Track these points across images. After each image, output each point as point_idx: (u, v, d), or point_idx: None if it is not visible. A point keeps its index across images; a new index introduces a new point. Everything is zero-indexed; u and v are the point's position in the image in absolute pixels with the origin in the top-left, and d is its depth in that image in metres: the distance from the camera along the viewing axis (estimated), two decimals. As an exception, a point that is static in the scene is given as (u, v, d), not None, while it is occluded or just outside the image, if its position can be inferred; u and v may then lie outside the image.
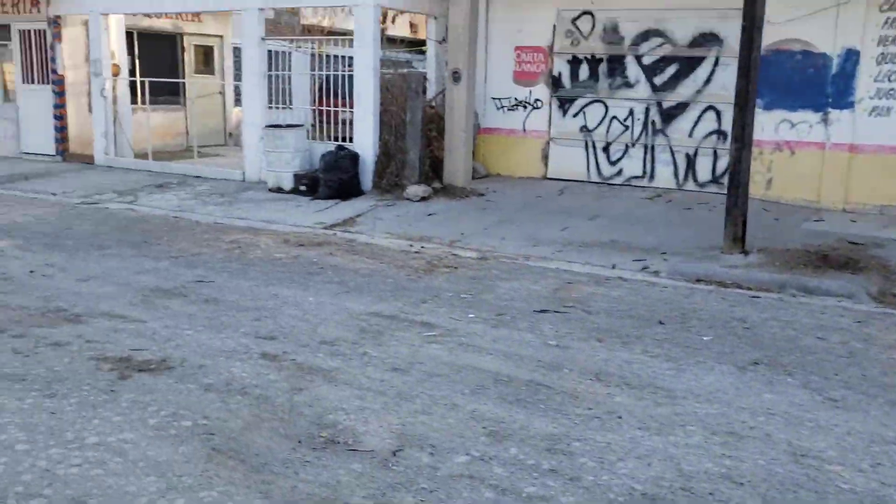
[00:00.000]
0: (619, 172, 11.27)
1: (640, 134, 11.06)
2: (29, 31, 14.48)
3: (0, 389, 4.22)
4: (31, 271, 6.84)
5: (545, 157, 11.81)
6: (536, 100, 11.76)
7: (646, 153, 11.06)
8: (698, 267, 7.36)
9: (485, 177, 11.87)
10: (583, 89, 11.41)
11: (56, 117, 14.39)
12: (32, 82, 14.68)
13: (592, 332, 5.50)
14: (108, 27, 13.59)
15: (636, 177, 11.16)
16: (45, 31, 14.22)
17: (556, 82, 11.60)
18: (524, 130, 11.92)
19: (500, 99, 12.04)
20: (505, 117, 12.05)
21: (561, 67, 11.54)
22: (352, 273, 7.08)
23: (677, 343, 5.32)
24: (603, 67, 11.22)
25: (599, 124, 11.33)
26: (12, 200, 10.79)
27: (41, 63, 14.48)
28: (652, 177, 11.05)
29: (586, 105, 11.41)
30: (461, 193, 10.69)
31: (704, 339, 5.43)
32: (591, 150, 11.44)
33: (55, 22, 14.01)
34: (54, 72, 14.22)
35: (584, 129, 11.44)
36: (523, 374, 4.67)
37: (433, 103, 11.72)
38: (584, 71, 11.37)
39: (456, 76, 10.84)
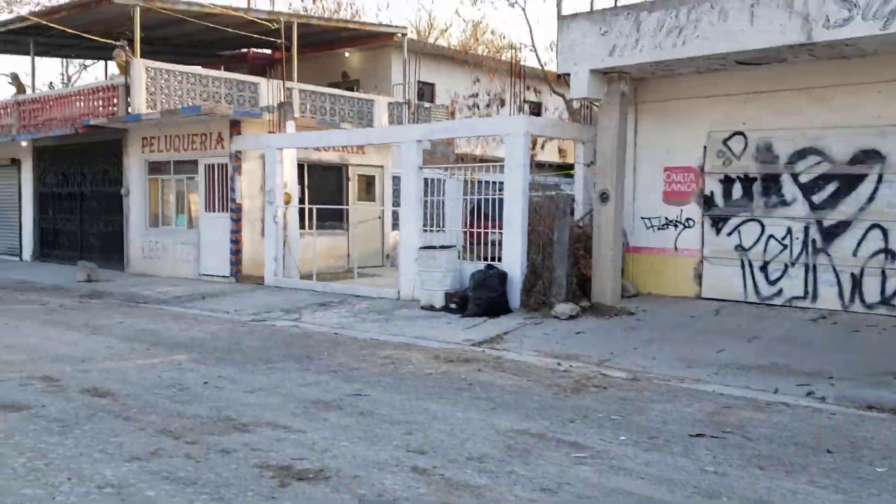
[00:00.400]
0: (779, 293, 10.83)
1: (800, 253, 10.66)
2: (213, 164, 16.15)
3: (174, 492, 4.55)
4: (206, 382, 7.39)
5: (698, 276, 11.57)
6: (688, 219, 11.67)
7: (807, 273, 10.61)
8: (869, 393, 6.87)
9: (634, 296, 11.74)
10: (737, 208, 11.23)
11: (232, 241, 15.75)
12: (214, 210, 16.22)
13: (753, 459, 5.23)
14: (282, 160, 14.95)
15: (797, 297, 10.67)
16: (226, 165, 15.81)
17: (708, 201, 11.49)
18: (675, 249, 11.79)
19: (649, 218, 12.04)
20: (655, 236, 11.99)
21: (713, 186, 11.45)
22: (499, 390, 7.14)
23: (847, 474, 4.95)
24: (757, 186, 11.04)
25: (756, 243, 11.04)
26: (191, 318, 11.78)
27: (222, 193, 16.02)
28: (815, 297, 10.53)
29: (741, 224, 11.18)
30: (610, 312, 10.62)
31: (878, 470, 5.03)
32: (747, 269, 11.12)
33: (236, 156, 15.58)
34: (233, 200, 15.67)
35: (740, 247, 11.18)
36: (678, 499, 4.49)
37: (581, 223, 11.89)
38: (737, 190, 11.23)
39: (604, 197, 11.00)
